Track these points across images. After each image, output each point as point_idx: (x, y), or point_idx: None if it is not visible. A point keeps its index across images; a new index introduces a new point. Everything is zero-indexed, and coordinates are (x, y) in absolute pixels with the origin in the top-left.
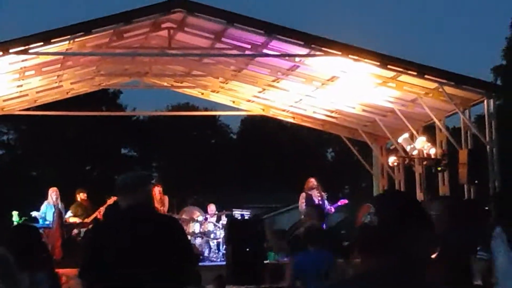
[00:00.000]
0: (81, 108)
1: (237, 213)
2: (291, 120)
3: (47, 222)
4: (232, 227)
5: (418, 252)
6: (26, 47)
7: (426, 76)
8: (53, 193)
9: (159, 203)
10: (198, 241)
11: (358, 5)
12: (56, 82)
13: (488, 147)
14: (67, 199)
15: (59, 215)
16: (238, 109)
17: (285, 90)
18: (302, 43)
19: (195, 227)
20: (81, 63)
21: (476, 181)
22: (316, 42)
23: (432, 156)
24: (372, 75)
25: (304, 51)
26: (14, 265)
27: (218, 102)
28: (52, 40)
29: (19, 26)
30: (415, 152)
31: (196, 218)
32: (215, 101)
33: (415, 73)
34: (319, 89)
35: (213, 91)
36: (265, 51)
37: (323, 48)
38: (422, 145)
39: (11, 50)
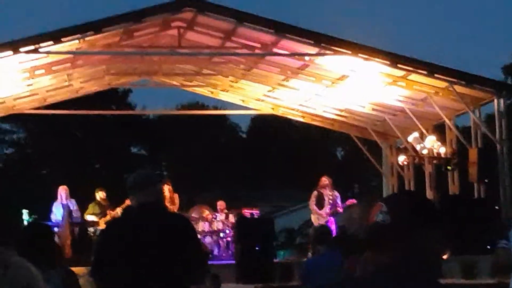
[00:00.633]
0: (91, 107)
1: (246, 211)
2: (301, 119)
3: (56, 220)
4: (242, 225)
5: (430, 252)
6: (36, 46)
7: (436, 75)
8: (62, 192)
9: (169, 202)
10: (207, 239)
11: (368, 4)
12: (66, 81)
13: (498, 145)
14: (76, 198)
15: (68, 213)
16: (248, 108)
17: (295, 89)
18: (312, 42)
19: (204, 226)
20: (91, 62)
21: (486, 180)
22: (325, 41)
23: (442, 155)
24: (382, 74)
25: (314, 50)
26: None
27: (227, 101)
28: (62, 39)
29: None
30: (425, 151)
31: (205, 217)
32: (224, 100)
33: (425, 72)
34: (329, 88)
35: (222, 90)
36: (274, 50)
37: (332, 47)
38: (432, 144)
39: (21, 49)
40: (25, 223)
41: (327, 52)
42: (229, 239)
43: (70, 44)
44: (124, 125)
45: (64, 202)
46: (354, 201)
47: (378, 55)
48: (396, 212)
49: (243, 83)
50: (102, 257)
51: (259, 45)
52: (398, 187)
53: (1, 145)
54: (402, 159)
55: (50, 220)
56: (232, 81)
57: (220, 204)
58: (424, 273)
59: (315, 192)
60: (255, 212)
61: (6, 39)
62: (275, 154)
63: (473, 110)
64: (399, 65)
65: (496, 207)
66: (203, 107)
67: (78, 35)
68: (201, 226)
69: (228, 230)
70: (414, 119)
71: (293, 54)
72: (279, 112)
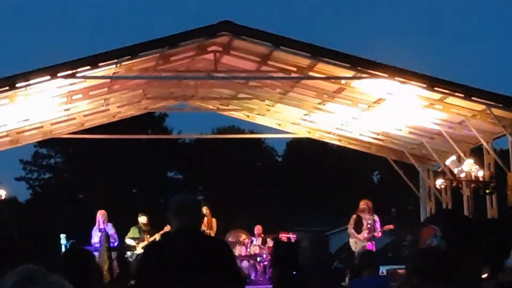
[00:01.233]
0: (127, 131)
1: (283, 235)
2: (337, 143)
3: (95, 245)
4: (279, 250)
5: (476, 277)
6: (74, 71)
7: (473, 98)
8: (100, 216)
9: (207, 226)
10: (244, 263)
11: (404, 27)
12: (103, 106)
13: None
14: (113, 222)
15: (106, 238)
16: (284, 132)
17: (331, 112)
18: (348, 65)
19: (241, 250)
20: (128, 86)
21: None
22: (362, 65)
23: (480, 179)
24: (418, 97)
25: (350, 73)
26: None
27: (263, 124)
28: (99, 64)
29: (66, 51)
30: (462, 175)
31: (242, 241)
32: (260, 124)
33: (462, 95)
34: (365, 112)
35: (259, 114)
36: (310, 73)
37: (369, 71)
38: (469, 167)
39: (59, 74)
40: (63, 247)
41: (364, 75)
42: (266, 263)
43: (107, 69)
44: (160, 149)
45: (102, 226)
46: (392, 226)
47: (415, 78)
48: (452, 238)
49: (279, 107)
50: (140, 283)
51: (295, 69)
52: (452, 210)
53: (38, 169)
54: (439, 182)
55: (90, 245)
56: (269, 105)
57: (257, 228)
58: None
59: (354, 216)
60: (292, 236)
61: (44, 64)
62: (311, 178)
63: (511, 133)
64: (436, 88)
65: None
66: (239, 130)
67: (115, 60)
68: (238, 251)
69: (265, 254)
70: (452, 142)
71: (329, 78)
72: (316, 135)
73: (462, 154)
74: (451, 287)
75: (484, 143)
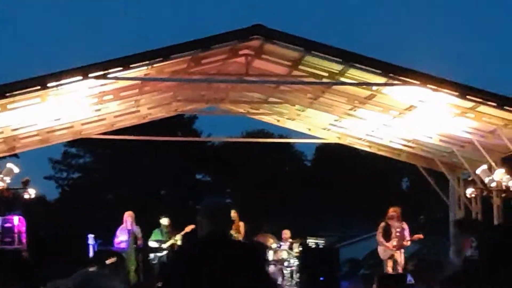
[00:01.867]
0: (157, 133)
1: (311, 241)
2: (367, 149)
3: (119, 245)
4: (306, 255)
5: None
6: (105, 72)
7: (505, 107)
8: (128, 218)
9: (235, 230)
10: (271, 268)
11: (438, 33)
12: (133, 107)
13: None
14: (141, 224)
15: (134, 239)
16: (314, 137)
17: (362, 118)
18: (379, 71)
19: (269, 255)
20: (159, 88)
21: None
22: (394, 71)
23: (511, 189)
24: (450, 105)
25: (382, 80)
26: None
27: (293, 129)
28: (131, 65)
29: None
30: (493, 184)
31: (270, 245)
32: (290, 128)
33: (494, 104)
34: (396, 118)
35: (289, 119)
36: (342, 79)
37: (401, 77)
38: (500, 177)
39: (90, 75)
40: (91, 248)
41: (395, 82)
42: (293, 268)
43: (138, 70)
44: (189, 151)
45: (130, 228)
46: (421, 236)
47: (447, 86)
48: (485, 249)
49: (309, 112)
50: (167, 286)
51: (326, 74)
52: (487, 221)
53: (68, 169)
54: (470, 191)
55: (113, 244)
56: (299, 110)
57: (285, 233)
58: None
59: (382, 224)
60: (320, 241)
61: (76, 64)
62: (340, 183)
63: None
64: (468, 97)
65: None
66: (268, 134)
67: (147, 62)
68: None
69: (293, 259)
70: (483, 151)
71: (360, 84)
72: (346, 141)
73: (493, 164)
74: None
75: None
